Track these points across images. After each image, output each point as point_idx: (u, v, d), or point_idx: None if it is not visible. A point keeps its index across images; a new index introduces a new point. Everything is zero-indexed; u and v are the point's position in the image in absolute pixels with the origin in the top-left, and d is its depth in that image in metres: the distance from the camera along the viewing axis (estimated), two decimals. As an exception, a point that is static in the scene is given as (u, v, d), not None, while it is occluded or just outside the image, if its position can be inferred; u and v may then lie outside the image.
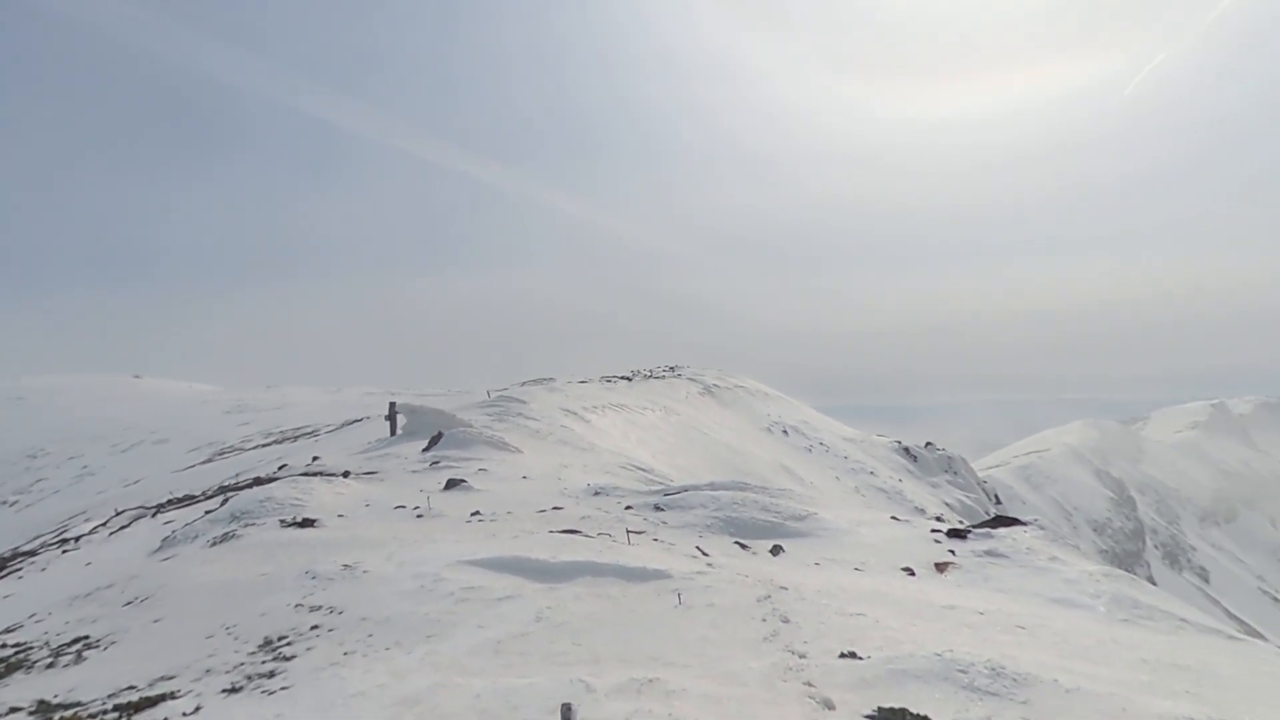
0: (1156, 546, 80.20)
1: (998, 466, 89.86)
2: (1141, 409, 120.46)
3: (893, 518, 9.19)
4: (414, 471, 15.92)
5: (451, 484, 14.17)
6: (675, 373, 41.93)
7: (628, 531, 9.52)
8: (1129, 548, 77.62)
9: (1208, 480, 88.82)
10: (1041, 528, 8.63)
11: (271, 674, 5.23)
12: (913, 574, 6.71)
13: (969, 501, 30.32)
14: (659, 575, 7.16)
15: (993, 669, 4.12)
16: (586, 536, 9.38)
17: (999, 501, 32.53)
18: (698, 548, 8.91)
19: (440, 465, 16.09)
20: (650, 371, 42.49)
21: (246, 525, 9.89)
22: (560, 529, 10.03)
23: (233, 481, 19.97)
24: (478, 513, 11.80)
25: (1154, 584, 64.72)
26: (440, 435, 18.13)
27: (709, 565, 7.85)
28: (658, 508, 11.36)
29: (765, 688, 4.40)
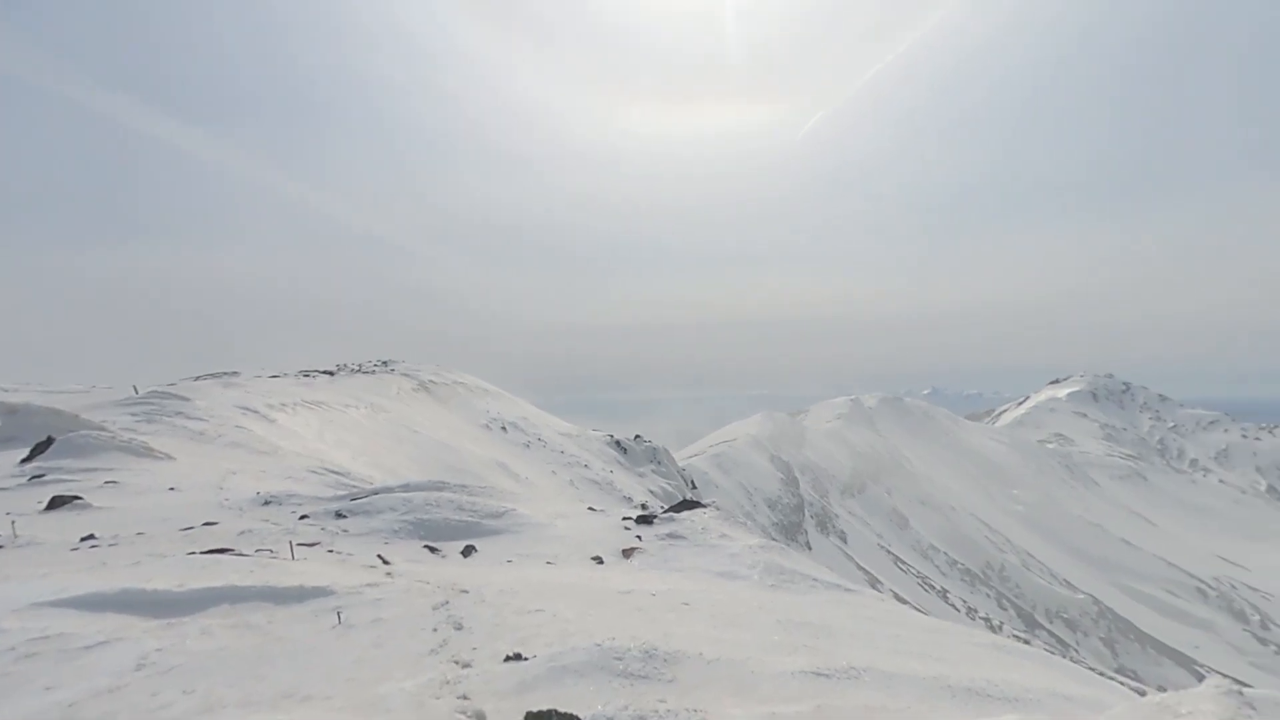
0: (812, 517, 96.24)
1: (696, 456, 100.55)
2: (804, 403, 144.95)
3: (589, 509, 9.34)
4: (1, 489, 12.10)
5: (58, 502, 11.01)
6: (388, 368, 38.94)
7: (294, 545, 8.17)
8: (793, 519, 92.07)
9: (847, 460, 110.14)
10: (718, 509, 9.45)
11: None
12: (601, 562, 6.77)
13: (670, 488, 33.07)
14: (319, 593, 6.14)
15: (646, 652, 4.16)
16: (239, 555, 7.82)
17: (695, 487, 35.98)
18: (380, 556, 7.98)
19: (45, 479, 12.47)
20: (359, 366, 38.87)
21: None
22: (206, 549, 8.26)
23: None
24: (91, 536, 9.29)
25: (810, 549, 77.62)
26: (49, 441, 14.07)
27: (387, 575, 7.01)
28: (340, 514, 10.05)
29: (413, 709, 3.85)
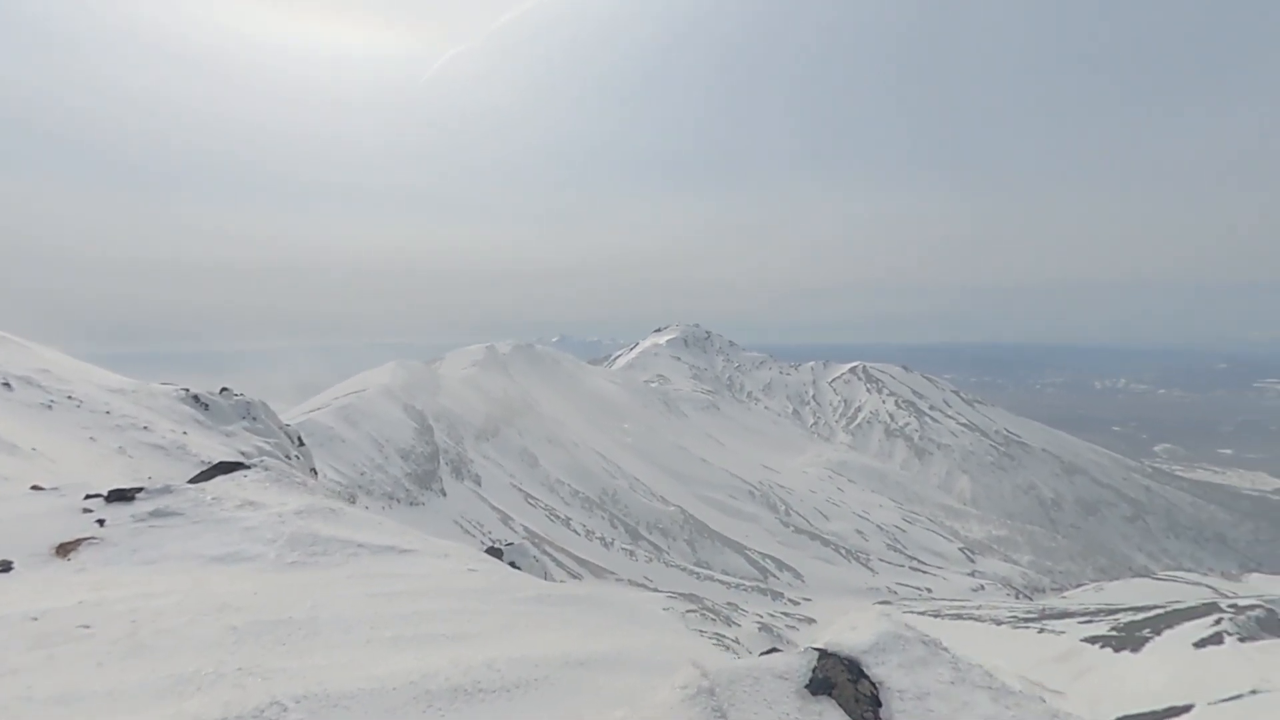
0: (447, 464, 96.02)
1: (320, 409, 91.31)
2: (439, 351, 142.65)
3: (33, 487, 6.67)
4: None
5: None
6: None
7: None
8: (428, 468, 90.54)
9: (482, 406, 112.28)
10: (266, 469, 7.79)
11: None
12: (8, 569, 4.62)
13: (269, 447, 28.65)
14: None
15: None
16: None
17: (302, 444, 32.11)
18: None
19: None
20: None
21: None
22: None
23: None
24: None
25: (444, 495, 77.22)
26: None
27: None
28: None
29: None
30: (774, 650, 3.37)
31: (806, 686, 2.98)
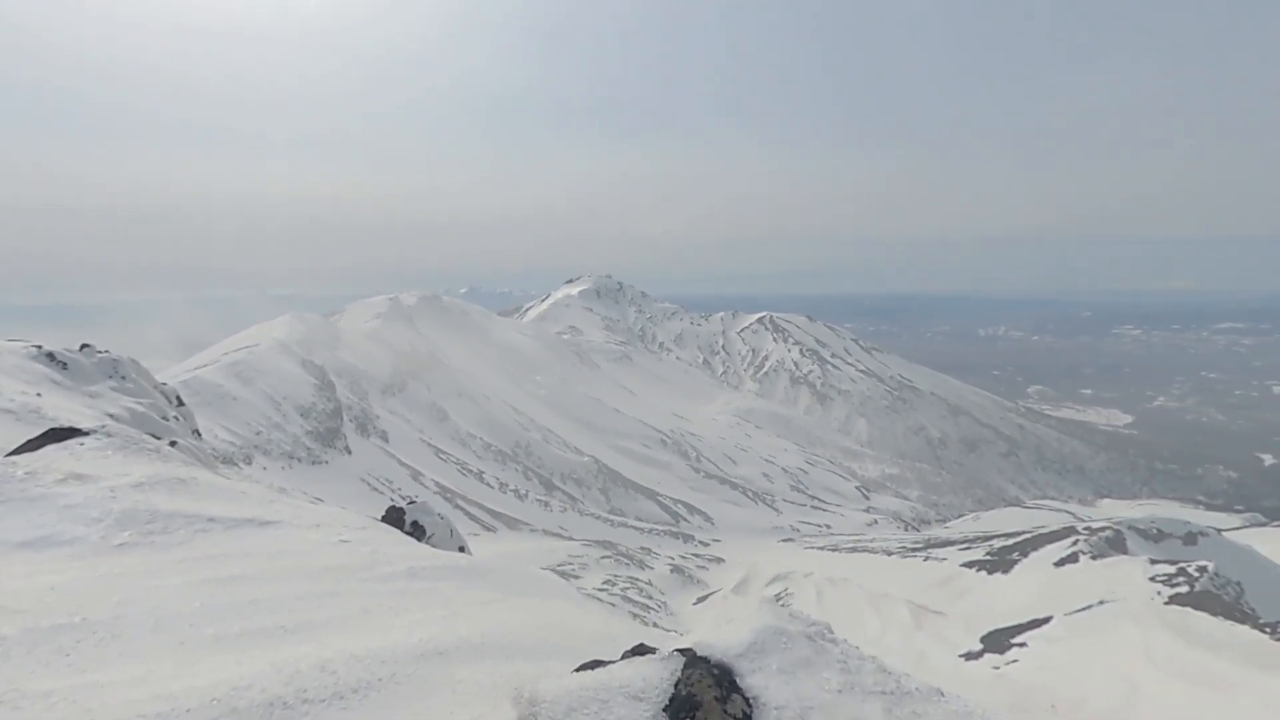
0: (351, 420, 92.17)
1: (206, 365, 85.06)
2: (337, 303, 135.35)
3: None
4: None
5: None
6: None
7: None
8: (331, 425, 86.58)
9: (387, 360, 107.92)
10: (110, 434, 6.91)
11: None
12: None
13: (141, 409, 26.28)
14: None
15: None
16: None
17: (182, 404, 29.65)
18: None
19: None
20: None
21: None
22: None
23: None
24: None
25: (350, 453, 74.22)
26: None
27: None
28: None
29: None
30: (640, 650, 2.88)
31: (665, 710, 2.41)
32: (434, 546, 8.71)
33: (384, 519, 9.93)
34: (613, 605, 41.18)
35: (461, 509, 73.91)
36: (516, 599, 4.47)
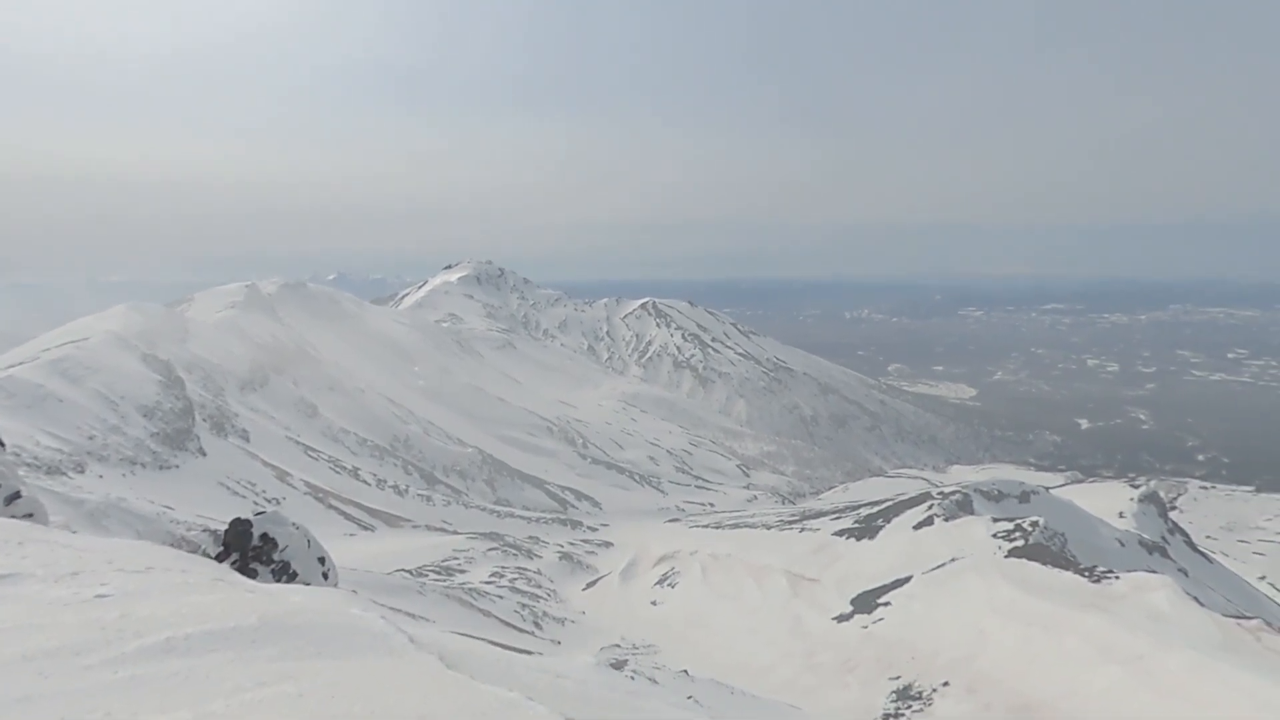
0: (205, 419, 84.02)
1: (23, 363, 74.41)
2: (183, 291, 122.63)
3: None
4: None
5: None
6: None
7: None
8: (180, 425, 78.49)
9: (245, 353, 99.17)
10: None
11: None
12: None
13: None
14: None
15: None
16: None
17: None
18: None
19: None
20: None
21: None
22: None
23: None
24: None
25: (204, 454, 67.62)
26: None
27: None
28: None
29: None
30: None
31: None
32: (287, 560, 7.93)
33: (226, 536, 8.91)
34: (485, 614, 40.36)
35: (336, 509, 69.66)
36: (312, 672, 3.55)
